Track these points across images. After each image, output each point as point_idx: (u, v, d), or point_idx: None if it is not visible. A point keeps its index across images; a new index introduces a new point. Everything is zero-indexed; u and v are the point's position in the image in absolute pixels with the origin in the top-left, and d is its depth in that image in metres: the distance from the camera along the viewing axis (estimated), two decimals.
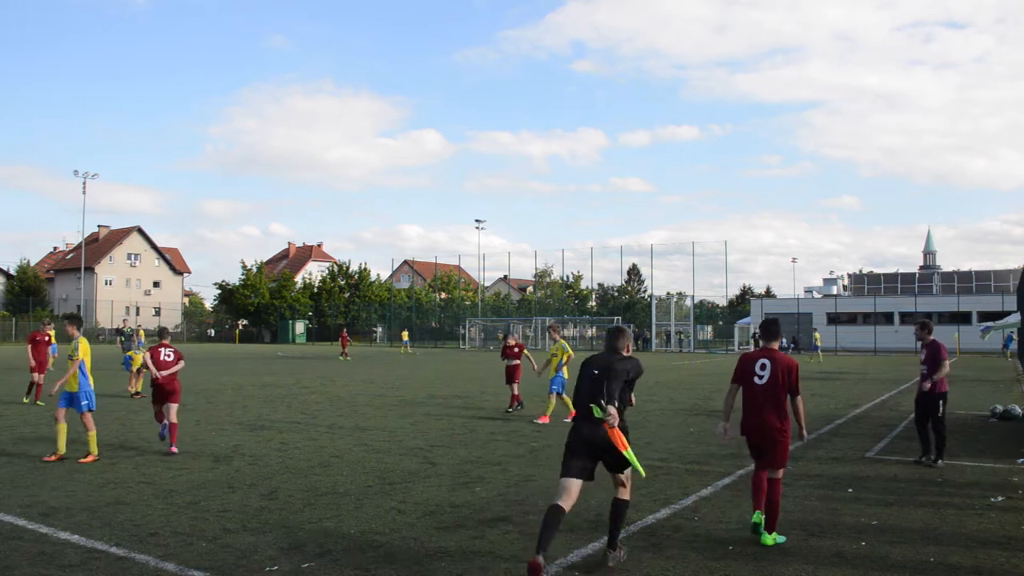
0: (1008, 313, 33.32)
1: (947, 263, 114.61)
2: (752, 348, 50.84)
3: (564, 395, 14.22)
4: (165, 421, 10.95)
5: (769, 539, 6.48)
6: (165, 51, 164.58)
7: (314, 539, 6.51)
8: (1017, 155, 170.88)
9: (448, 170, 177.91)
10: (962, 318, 51.31)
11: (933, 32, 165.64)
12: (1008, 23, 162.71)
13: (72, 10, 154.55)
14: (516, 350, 15.95)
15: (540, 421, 14.06)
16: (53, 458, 10.10)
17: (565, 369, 14.42)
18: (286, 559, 5.97)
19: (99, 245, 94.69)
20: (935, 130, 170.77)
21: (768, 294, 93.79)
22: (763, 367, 6.72)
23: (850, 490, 8.61)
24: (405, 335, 55.42)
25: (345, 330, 48.41)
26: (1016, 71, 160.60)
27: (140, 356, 18.94)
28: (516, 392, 15.76)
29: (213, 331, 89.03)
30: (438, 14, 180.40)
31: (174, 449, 10.63)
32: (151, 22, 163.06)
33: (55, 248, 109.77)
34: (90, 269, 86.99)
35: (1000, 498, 8.24)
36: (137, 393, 18.27)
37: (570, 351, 14.55)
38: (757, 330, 7.85)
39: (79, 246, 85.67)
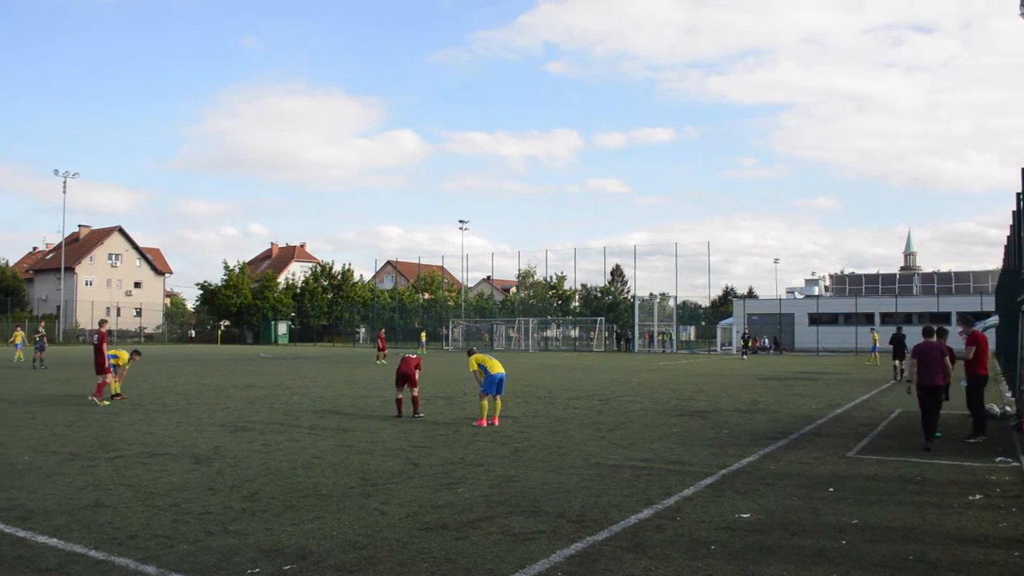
0: (988, 314, 33.64)
1: (925, 264, 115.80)
2: (740, 348, 51.14)
3: (490, 396, 14.10)
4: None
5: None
6: (139, 52, 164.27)
7: (296, 541, 6.48)
8: (987, 158, 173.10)
9: (426, 171, 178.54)
10: (942, 318, 51.70)
11: (902, 35, 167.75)
12: (973, 28, 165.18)
13: (50, 11, 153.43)
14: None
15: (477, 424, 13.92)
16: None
17: (480, 374, 14.20)
18: (267, 561, 5.94)
19: (79, 245, 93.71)
20: (909, 133, 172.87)
21: (751, 295, 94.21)
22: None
23: (831, 489, 8.66)
24: (424, 336, 57.89)
25: (383, 331, 47.29)
26: (982, 75, 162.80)
27: (124, 354, 18.85)
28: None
29: (194, 332, 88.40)
30: (408, 15, 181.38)
31: None
32: (124, 23, 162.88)
33: (34, 248, 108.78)
34: (70, 269, 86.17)
35: (978, 496, 8.32)
36: (117, 395, 18.10)
37: (473, 366, 14.35)
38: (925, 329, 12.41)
39: (59, 246, 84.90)
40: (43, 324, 36.22)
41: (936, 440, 11.85)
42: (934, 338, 11.91)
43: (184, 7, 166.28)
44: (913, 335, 12.99)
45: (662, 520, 7.24)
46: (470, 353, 14.71)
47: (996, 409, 14.96)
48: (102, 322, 19.02)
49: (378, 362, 37.84)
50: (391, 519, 7.22)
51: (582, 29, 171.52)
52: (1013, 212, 17.77)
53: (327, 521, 7.13)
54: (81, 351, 50.17)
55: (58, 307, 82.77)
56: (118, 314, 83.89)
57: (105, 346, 17.47)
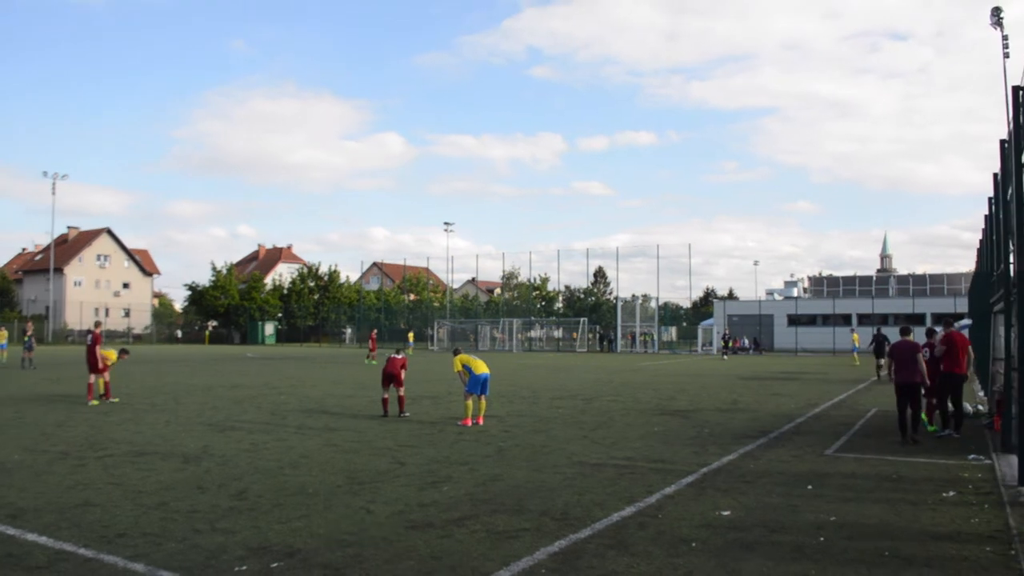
0: (963, 315, 34.04)
1: (900, 266, 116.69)
2: (720, 348, 51.42)
3: (474, 395, 14.19)
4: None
5: (932, 427, 13.11)
6: (128, 54, 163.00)
7: (283, 539, 6.55)
8: (962, 162, 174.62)
9: (412, 173, 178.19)
10: (917, 320, 52.22)
11: (878, 42, 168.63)
12: (946, 36, 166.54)
13: (39, 13, 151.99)
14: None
15: (462, 424, 14.03)
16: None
17: (465, 374, 14.31)
18: (255, 559, 6.01)
19: (68, 246, 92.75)
20: (884, 137, 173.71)
21: (731, 296, 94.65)
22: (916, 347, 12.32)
23: (810, 487, 8.81)
24: (411, 337, 58.38)
25: (375, 331, 46.72)
26: (956, 82, 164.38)
27: (112, 353, 18.83)
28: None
29: (179, 332, 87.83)
30: (394, 19, 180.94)
31: None
32: (113, 25, 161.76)
33: (24, 249, 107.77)
34: (59, 270, 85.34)
35: (951, 493, 8.50)
36: (103, 395, 18.05)
37: (458, 367, 14.50)
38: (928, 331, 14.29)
39: (48, 247, 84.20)
40: (30, 324, 35.86)
41: (929, 434, 12.77)
42: (911, 337, 12.53)
43: (172, 10, 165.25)
44: (895, 337, 13.50)
45: (644, 518, 7.35)
46: (455, 353, 14.86)
47: (969, 408, 15.19)
48: (97, 324, 19.18)
49: (366, 361, 37.81)
50: (377, 517, 7.30)
51: (565, 34, 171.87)
52: (985, 216, 18.05)
53: (314, 519, 7.21)
54: (70, 351, 49.88)
55: (47, 308, 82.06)
56: (107, 315, 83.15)
57: (99, 348, 17.66)
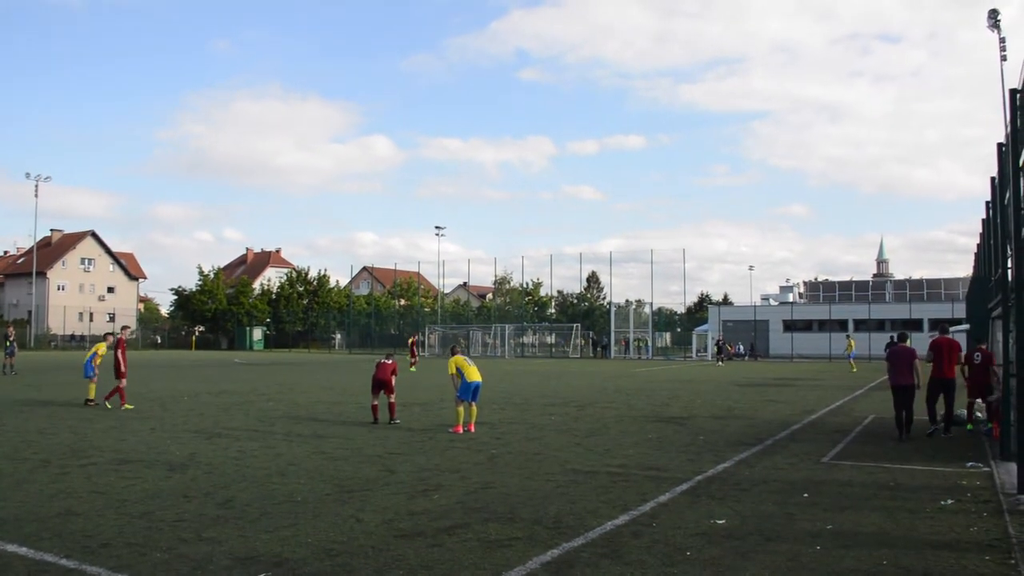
0: (959, 321, 34.12)
1: (897, 271, 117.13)
2: (715, 354, 51.42)
3: (465, 402, 14.04)
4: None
5: (969, 425, 14.10)
6: (111, 55, 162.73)
7: (271, 548, 6.44)
8: (956, 166, 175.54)
9: (400, 176, 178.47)
10: (914, 325, 52.33)
11: (870, 45, 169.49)
12: (939, 38, 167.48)
13: (22, 14, 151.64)
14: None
15: (453, 431, 13.89)
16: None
17: (457, 377, 14.14)
18: (242, 569, 5.90)
19: (51, 249, 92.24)
20: (878, 141, 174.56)
21: (725, 301, 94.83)
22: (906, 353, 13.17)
23: (806, 495, 8.73)
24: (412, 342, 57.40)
25: (415, 336, 46.10)
26: (949, 85, 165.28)
27: (102, 346, 18.71)
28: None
29: (159, 337, 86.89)
30: (381, 20, 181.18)
31: None
32: (96, 26, 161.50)
33: (5, 252, 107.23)
34: (42, 274, 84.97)
35: (950, 501, 8.42)
36: (90, 400, 17.93)
37: (452, 369, 14.28)
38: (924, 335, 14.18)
39: (31, 250, 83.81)
40: (11, 329, 35.54)
41: (935, 435, 13.24)
42: (908, 343, 13.42)
43: (155, 9, 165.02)
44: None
45: (638, 526, 7.26)
46: (452, 352, 14.76)
47: (966, 415, 15.09)
48: (124, 328, 19.23)
49: (412, 369, 36.35)
50: (367, 526, 7.19)
51: (552, 36, 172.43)
52: (983, 220, 18.03)
53: (302, 528, 7.10)
54: (53, 357, 49.60)
55: (29, 312, 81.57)
56: (91, 319, 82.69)
57: (120, 352, 17.56)
